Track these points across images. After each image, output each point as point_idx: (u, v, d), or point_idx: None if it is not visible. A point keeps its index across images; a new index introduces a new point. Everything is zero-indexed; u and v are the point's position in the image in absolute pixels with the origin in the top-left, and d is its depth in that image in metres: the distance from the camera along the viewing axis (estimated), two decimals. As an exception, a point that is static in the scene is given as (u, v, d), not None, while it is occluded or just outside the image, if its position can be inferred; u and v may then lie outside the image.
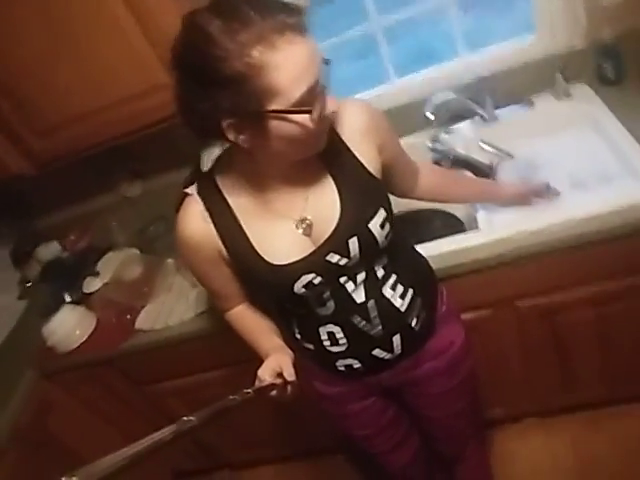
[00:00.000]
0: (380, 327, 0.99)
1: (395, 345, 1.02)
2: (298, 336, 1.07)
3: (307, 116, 0.75)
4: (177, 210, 0.95)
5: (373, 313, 0.98)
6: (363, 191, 0.92)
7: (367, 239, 0.91)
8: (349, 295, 0.96)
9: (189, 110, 0.79)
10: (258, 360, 0.95)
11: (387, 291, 0.98)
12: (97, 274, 1.75)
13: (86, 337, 1.56)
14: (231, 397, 0.79)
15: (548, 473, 1.65)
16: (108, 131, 1.38)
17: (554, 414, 1.71)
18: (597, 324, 1.35)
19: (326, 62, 0.78)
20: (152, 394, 1.69)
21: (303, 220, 0.92)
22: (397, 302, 0.99)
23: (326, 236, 0.91)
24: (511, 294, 1.32)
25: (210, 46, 0.70)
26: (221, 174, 0.93)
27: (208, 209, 0.92)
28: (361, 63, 1.84)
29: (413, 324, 1.02)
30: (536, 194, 1.26)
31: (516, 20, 1.55)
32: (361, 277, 0.95)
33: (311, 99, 0.74)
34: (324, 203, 0.91)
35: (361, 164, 0.92)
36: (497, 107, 1.53)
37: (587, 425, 1.68)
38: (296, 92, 0.72)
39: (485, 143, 1.45)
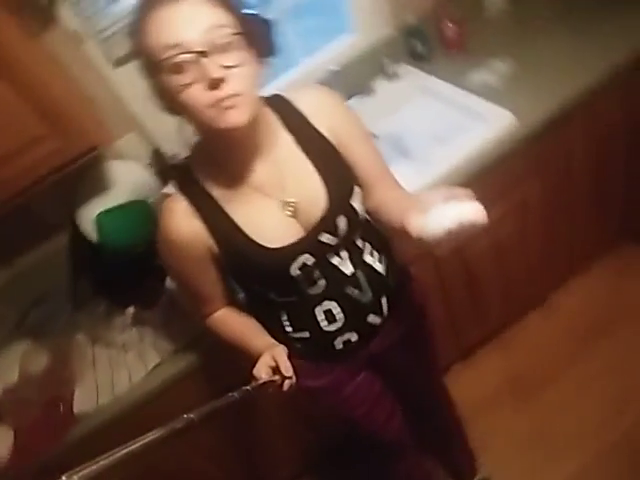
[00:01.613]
0: (370, 293, 1.05)
1: (384, 307, 1.10)
2: (289, 329, 1.06)
3: (177, 77, 0.77)
4: (159, 214, 0.95)
5: (363, 281, 1.04)
6: (338, 169, 0.98)
7: (352, 216, 0.98)
8: (338, 269, 1.01)
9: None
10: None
11: (368, 258, 1.05)
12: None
13: (7, 454, 1.29)
14: (230, 394, 0.80)
15: (488, 407, 1.88)
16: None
17: (473, 351, 1.97)
18: (493, 249, 1.63)
19: (236, 33, 0.79)
20: None
21: (288, 203, 0.95)
22: (378, 267, 1.07)
23: (317, 217, 0.95)
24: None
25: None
26: (196, 165, 0.94)
27: (193, 204, 0.91)
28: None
29: (391, 284, 1.11)
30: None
31: (337, 21, 1.80)
32: (345, 250, 1.01)
33: (181, 61, 0.76)
34: (307, 184, 0.96)
35: (329, 141, 0.97)
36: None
37: (501, 349, 2.00)
38: (158, 48, 0.76)
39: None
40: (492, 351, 2.01)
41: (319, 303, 1.03)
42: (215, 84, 0.77)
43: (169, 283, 1.36)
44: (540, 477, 1.70)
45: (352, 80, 1.74)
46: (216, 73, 0.76)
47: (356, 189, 0.99)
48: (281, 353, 0.94)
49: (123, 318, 1.48)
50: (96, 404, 1.32)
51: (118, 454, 0.57)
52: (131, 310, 1.50)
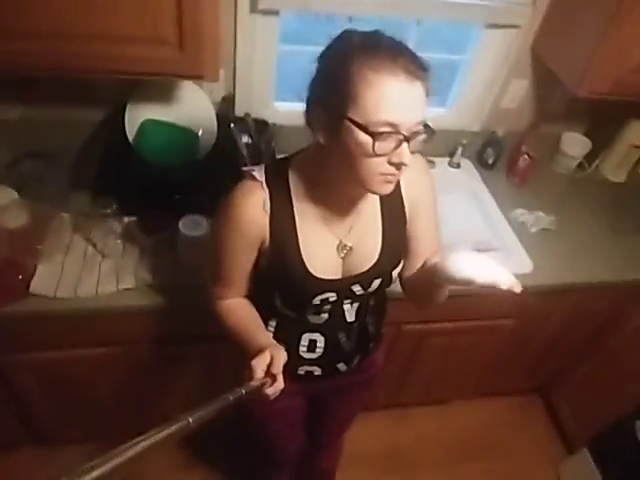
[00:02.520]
0: (353, 346, 1.16)
1: (354, 362, 1.20)
2: (270, 335, 1.11)
3: (370, 141, 0.79)
4: (236, 186, 0.97)
5: (354, 333, 1.14)
6: (399, 240, 1.06)
7: (387, 282, 1.07)
8: (343, 314, 1.10)
9: (310, 93, 0.87)
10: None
11: (368, 318, 1.16)
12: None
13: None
14: (224, 396, 0.80)
15: (363, 462, 2.04)
16: (70, 63, 1.14)
17: (370, 409, 2.09)
18: (446, 347, 1.80)
19: (429, 131, 0.83)
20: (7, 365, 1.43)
21: (345, 246, 1.02)
22: (370, 328, 1.18)
23: (360, 271, 1.03)
24: (401, 320, 1.63)
25: (342, 51, 0.81)
26: (295, 170, 0.97)
27: (272, 199, 0.95)
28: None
29: (371, 347, 1.23)
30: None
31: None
32: (358, 303, 1.10)
33: (387, 133, 0.78)
34: (367, 239, 1.02)
35: (405, 214, 1.05)
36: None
37: (397, 420, 2.19)
38: (373, 115, 0.77)
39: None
40: (388, 419, 2.19)
41: (310, 331, 1.11)
42: (400, 167, 0.83)
43: (184, 227, 1.36)
44: None
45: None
46: (408, 160, 0.82)
47: (401, 262, 1.08)
48: (280, 357, 0.93)
49: (115, 224, 1.45)
50: (54, 292, 1.29)
51: (116, 459, 0.57)
52: (126, 220, 1.48)
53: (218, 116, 1.62)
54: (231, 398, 0.80)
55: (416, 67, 0.78)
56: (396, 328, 1.68)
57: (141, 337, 1.45)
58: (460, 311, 1.62)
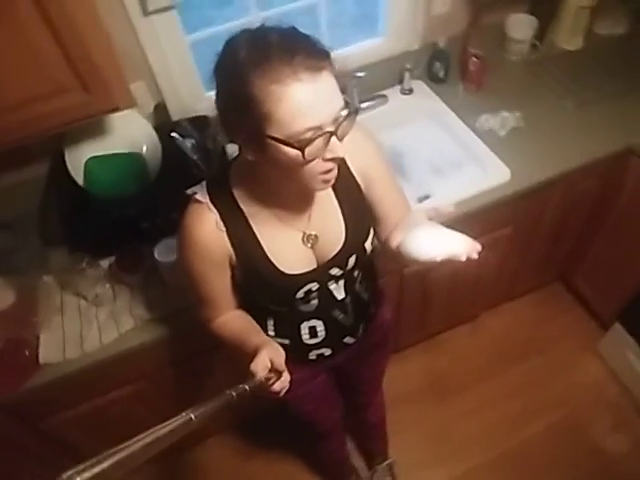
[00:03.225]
0: (353, 318, 1.16)
1: (360, 330, 1.21)
2: (272, 333, 1.14)
3: (299, 152, 0.77)
4: (183, 212, 0.96)
5: (349, 307, 1.14)
6: (361, 214, 1.04)
7: (361, 255, 1.06)
8: (332, 294, 1.10)
9: (220, 115, 0.83)
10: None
11: (358, 287, 1.15)
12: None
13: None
14: (227, 392, 0.78)
15: (408, 399, 2.12)
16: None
17: (402, 349, 2.18)
18: (450, 278, 1.79)
19: (351, 109, 0.81)
20: (51, 429, 1.50)
21: (310, 236, 1.01)
22: (364, 295, 1.18)
23: (333, 254, 1.03)
24: (399, 267, 1.64)
25: (233, 71, 0.75)
26: (236, 180, 0.95)
27: (222, 218, 0.93)
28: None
29: (372, 310, 1.24)
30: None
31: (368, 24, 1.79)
32: (343, 279, 1.10)
33: (312, 138, 0.76)
34: (329, 222, 1.01)
35: (359, 186, 1.03)
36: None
37: (430, 352, 2.25)
38: (293, 127, 0.75)
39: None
40: (422, 352, 2.25)
41: (307, 320, 1.12)
42: (336, 161, 0.81)
43: (159, 254, 1.36)
44: (437, 469, 1.97)
45: (369, 84, 1.75)
46: (341, 152, 0.80)
47: (371, 232, 1.07)
48: (278, 354, 0.93)
49: (98, 271, 1.47)
50: (63, 356, 1.33)
51: (118, 456, 0.55)
52: (107, 264, 1.49)
53: (157, 129, 1.58)
54: (234, 394, 0.79)
55: (315, 58, 0.74)
56: (398, 276, 1.68)
57: (158, 365, 1.49)
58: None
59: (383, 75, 1.80)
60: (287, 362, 0.92)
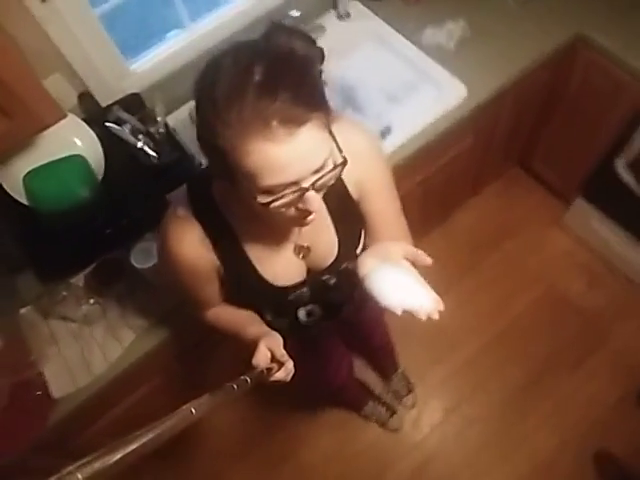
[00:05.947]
0: (347, 291, 1.14)
1: (356, 297, 1.20)
2: (269, 318, 1.12)
3: (269, 196, 0.70)
4: (163, 224, 0.91)
5: (343, 284, 1.11)
6: (352, 224, 0.99)
7: (354, 260, 0.98)
8: (325, 284, 1.07)
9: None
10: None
11: (350, 266, 1.06)
12: None
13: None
14: (228, 385, 0.76)
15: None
16: None
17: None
18: (423, 193, 1.81)
19: (336, 165, 0.72)
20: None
21: (302, 248, 0.97)
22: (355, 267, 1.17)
23: (325, 266, 1.00)
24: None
25: (205, 107, 0.67)
26: (219, 188, 0.89)
27: (207, 231, 0.88)
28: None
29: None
30: None
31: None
32: (334, 277, 1.07)
33: (283, 194, 0.69)
34: (321, 233, 0.97)
35: (351, 197, 0.96)
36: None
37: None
38: (260, 181, 0.67)
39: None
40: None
41: (304, 305, 1.11)
42: (312, 212, 0.73)
43: (137, 261, 1.30)
44: (444, 363, 2.14)
45: (301, 16, 1.61)
46: (317, 205, 0.72)
47: (362, 236, 1.03)
48: (277, 343, 0.93)
49: (76, 289, 1.40)
50: (74, 385, 1.31)
51: (121, 452, 0.54)
52: (82, 279, 1.43)
53: (88, 121, 1.43)
54: (236, 387, 0.76)
55: (301, 106, 0.63)
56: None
57: (169, 361, 1.51)
58: (423, 165, 1.62)
59: (315, 3, 1.64)
60: (286, 343, 0.91)
